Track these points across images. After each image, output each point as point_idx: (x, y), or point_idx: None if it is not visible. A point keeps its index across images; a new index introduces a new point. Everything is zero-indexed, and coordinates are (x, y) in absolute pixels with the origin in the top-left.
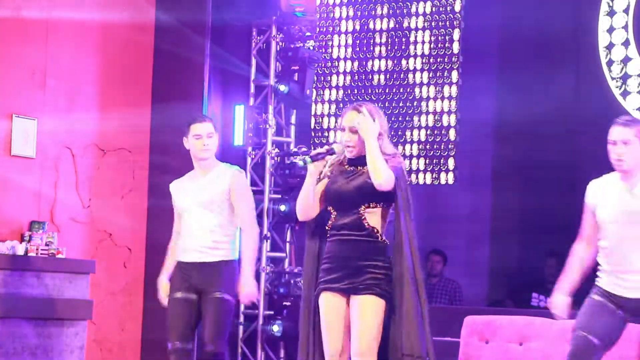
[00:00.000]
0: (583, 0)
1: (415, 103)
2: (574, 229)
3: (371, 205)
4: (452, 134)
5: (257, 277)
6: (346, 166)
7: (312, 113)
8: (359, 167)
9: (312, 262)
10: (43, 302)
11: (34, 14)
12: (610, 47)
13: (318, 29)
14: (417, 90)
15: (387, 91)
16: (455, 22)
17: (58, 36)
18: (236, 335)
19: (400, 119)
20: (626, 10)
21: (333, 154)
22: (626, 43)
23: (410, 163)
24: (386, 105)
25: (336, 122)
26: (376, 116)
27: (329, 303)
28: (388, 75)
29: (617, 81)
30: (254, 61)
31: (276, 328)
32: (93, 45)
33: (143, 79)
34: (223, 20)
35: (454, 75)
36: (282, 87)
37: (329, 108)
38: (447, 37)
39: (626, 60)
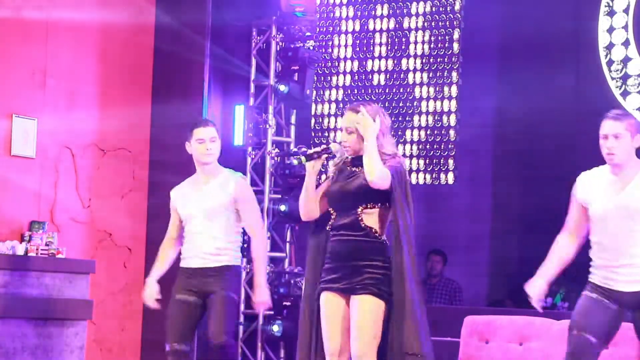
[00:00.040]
0: (583, 0)
1: (415, 103)
2: None
3: (369, 206)
4: (452, 134)
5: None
6: (349, 167)
7: (312, 113)
8: (359, 168)
9: (314, 262)
10: (43, 302)
11: (34, 14)
12: (610, 47)
13: (318, 29)
14: (417, 90)
15: (387, 91)
16: (455, 22)
17: (58, 36)
18: (236, 335)
19: (400, 119)
20: (626, 10)
21: (330, 154)
22: (626, 43)
23: (411, 163)
24: (386, 105)
25: (336, 122)
26: (377, 116)
27: (329, 303)
28: (388, 75)
29: (617, 81)
30: (254, 61)
31: (276, 328)
32: (93, 45)
33: (143, 79)
34: (223, 20)
35: (454, 75)
36: (282, 87)
37: (329, 108)
38: (447, 37)
39: (626, 60)
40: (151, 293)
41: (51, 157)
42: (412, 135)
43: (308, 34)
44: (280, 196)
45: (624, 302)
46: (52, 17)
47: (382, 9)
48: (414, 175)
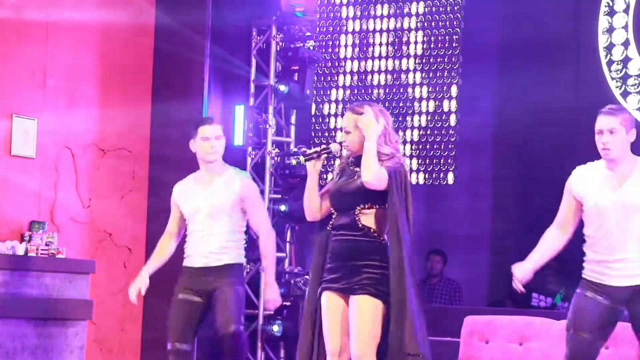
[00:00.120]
0: (583, 0)
1: (415, 103)
2: (575, 231)
3: (367, 206)
4: (452, 134)
5: (258, 277)
6: (351, 167)
7: (312, 113)
8: (360, 168)
9: (317, 262)
10: (43, 302)
11: (34, 14)
12: (610, 47)
13: (318, 29)
14: (417, 90)
15: (387, 91)
16: (455, 22)
17: (58, 36)
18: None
19: (400, 119)
20: (626, 10)
21: (329, 154)
22: (626, 43)
23: (411, 163)
24: (386, 105)
25: (336, 122)
26: (379, 117)
27: (330, 303)
28: (388, 75)
29: (617, 81)
30: (254, 61)
31: (276, 328)
32: (93, 45)
33: (143, 79)
34: (223, 20)
35: (454, 75)
36: (282, 87)
37: (329, 108)
38: (447, 37)
39: (626, 60)
40: (139, 285)
41: (51, 157)
42: (412, 135)
43: (308, 34)
44: (280, 196)
45: (618, 297)
46: (52, 17)
47: (382, 9)
48: (413, 175)
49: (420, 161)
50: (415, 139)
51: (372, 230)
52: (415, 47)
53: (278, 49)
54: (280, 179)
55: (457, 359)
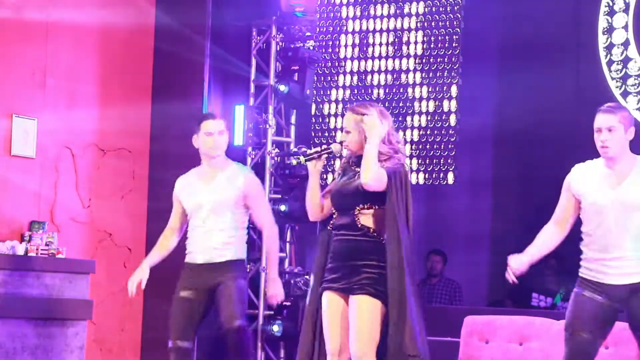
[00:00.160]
0: (583, 0)
1: (415, 103)
2: (574, 230)
3: (366, 207)
4: (452, 134)
5: (258, 277)
6: (353, 167)
7: (312, 113)
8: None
9: (319, 261)
10: (43, 302)
11: (34, 14)
12: (610, 47)
13: (318, 29)
14: (417, 90)
15: (387, 91)
16: (455, 22)
17: (58, 36)
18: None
19: (400, 119)
20: (626, 10)
21: (330, 154)
22: (626, 43)
23: (410, 163)
24: (386, 105)
25: (336, 122)
26: (382, 119)
27: (330, 302)
28: (388, 75)
29: (617, 81)
30: (254, 61)
31: (276, 328)
32: (93, 45)
33: (143, 79)
34: (223, 20)
35: (454, 75)
36: (282, 87)
37: (329, 108)
38: (447, 37)
39: (626, 60)
40: (139, 277)
41: (51, 157)
42: (412, 135)
43: (308, 34)
44: (280, 196)
45: (615, 295)
46: (52, 17)
47: (382, 9)
48: (413, 175)
49: (420, 161)
50: (415, 139)
51: (371, 230)
52: (415, 47)
53: (278, 49)
54: (280, 179)
55: (457, 359)
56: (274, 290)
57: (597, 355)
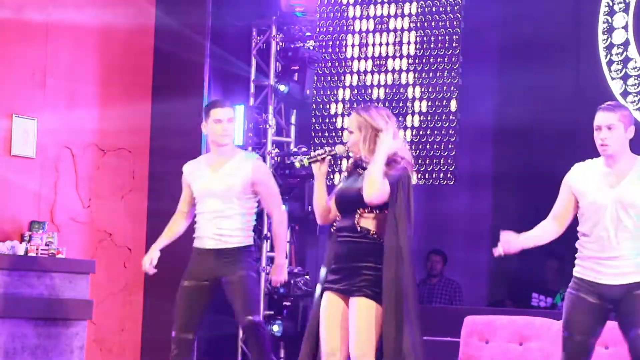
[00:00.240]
0: (583, 0)
1: (415, 103)
2: (575, 230)
3: (367, 210)
4: (452, 134)
5: (257, 277)
6: (358, 169)
7: (312, 113)
8: (363, 171)
9: (325, 263)
10: (43, 302)
11: (34, 14)
12: (610, 47)
13: (318, 29)
14: (417, 89)
15: (387, 91)
16: (455, 22)
17: (58, 36)
18: (236, 335)
19: (400, 119)
20: (626, 10)
21: (335, 156)
22: (626, 43)
23: None
24: (385, 105)
25: (336, 122)
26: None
27: (329, 303)
28: (388, 75)
29: (617, 81)
30: (254, 61)
31: (276, 328)
32: (93, 45)
33: (143, 79)
34: (223, 20)
35: (454, 75)
36: (282, 87)
37: (329, 108)
38: (446, 37)
39: (626, 60)
40: (150, 259)
41: (51, 157)
42: (412, 135)
43: (308, 34)
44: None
45: (608, 295)
46: (52, 17)
47: (382, 9)
48: (413, 175)
49: (420, 161)
50: (415, 139)
51: (371, 232)
52: (415, 47)
53: (278, 49)
54: (281, 179)
55: (457, 359)
56: (278, 277)
57: (597, 355)
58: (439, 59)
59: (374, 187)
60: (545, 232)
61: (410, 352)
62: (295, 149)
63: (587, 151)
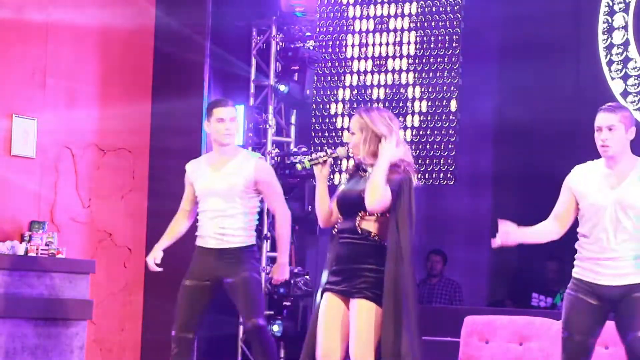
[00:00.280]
0: (583, 0)
1: (415, 103)
2: (575, 231)
3: (368, 213)
4: (452, 134)
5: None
6: (360, 171)
7: (312, 113)
8: (364, 173)
9: (327, 264)
10: (43, 302)
11: (34, 14)
12: (610, 47)
13: (319, 29)
14: (417, 89)
15: (387, 91)
16: (455, 22)
17: (58, 36)
18: (236, 335)
19: (400, 119)
20: (626, 10)
21: (336, 158)
22: (626, 43)
23: None
24: (386, 105)
25: (336, 122)
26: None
27: (329, 303)
28: (388, 75)
29: (617, 81)
30: (254, 61)
31: (276, 328)
32: (93, 45)
33: (143, 79)
34: (223, 20)
35: (454, 75)
36: (282, 87)
37: (329, 108)
38: (446, 37)
39: (626, 60)
40: (153, 257)
41: (51, 157)
42: (412, 135)
43: (308, 34)
44: None
45: (607, 296)
46: (52, 17)
47: (382, 9)
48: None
49: (420, 161)
50: (415, 139)
51: (372, 234)
52: (415, 47)
53: (278, 49)
54: (281, 178)
55: (457, 359)
56: (279, 276)
57: (597, 355)
58: (439, 59)
59: (376, 195)
60: (545, 229)
61: (409, 351)
62: (295, 149)
63: (587, 151)
